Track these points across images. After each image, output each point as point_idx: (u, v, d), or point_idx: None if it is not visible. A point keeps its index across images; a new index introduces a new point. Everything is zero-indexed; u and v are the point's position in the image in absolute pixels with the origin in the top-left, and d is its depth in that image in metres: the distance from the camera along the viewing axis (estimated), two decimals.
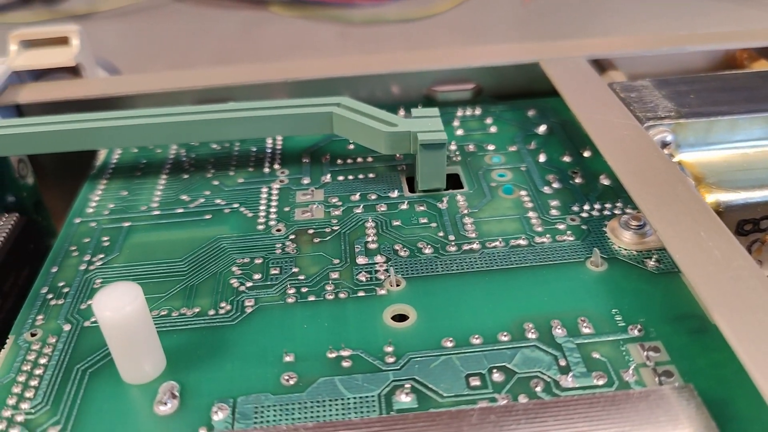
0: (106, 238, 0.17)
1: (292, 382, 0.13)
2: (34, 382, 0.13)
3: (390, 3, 0.56)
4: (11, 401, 0.13)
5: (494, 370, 0.13)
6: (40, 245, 0.22)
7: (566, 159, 0.20)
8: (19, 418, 0.13)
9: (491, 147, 0.20)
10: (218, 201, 0.18)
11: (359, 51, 0.47)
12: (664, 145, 0.18)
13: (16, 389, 0.13)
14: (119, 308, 0.12)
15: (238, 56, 0.48)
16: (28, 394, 0.13)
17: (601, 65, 0.22)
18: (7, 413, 0.13)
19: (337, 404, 0.13)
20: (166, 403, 0.13)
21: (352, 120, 0.18)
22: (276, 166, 0.20)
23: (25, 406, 0.13)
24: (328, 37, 0.50)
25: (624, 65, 0.22)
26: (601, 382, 0.13)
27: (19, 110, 0.22)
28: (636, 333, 0.14)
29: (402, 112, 0.22)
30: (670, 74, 0.22)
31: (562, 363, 0.13)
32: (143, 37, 0.54)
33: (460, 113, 0.22)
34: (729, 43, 0.22)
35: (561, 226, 0.17)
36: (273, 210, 0.18)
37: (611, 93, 0.20)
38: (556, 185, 0.18)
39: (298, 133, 0.20)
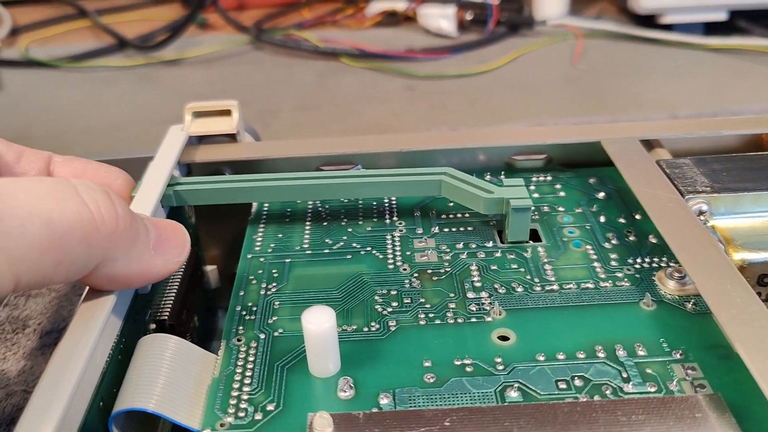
0: (274, 271, 0.23)
1: (432, 380, 0.19)
2: (248, 374, 0.19)
3: (448, 57, 0.62)
4: (236, 385, 0.19)
5: (575, 378, 0.19)
6: (200, 271, 0.28)
7: (621, 220, 0.25)
8: (245, 397, 0.19)
9: (561, 208, 0.26)
10: (354, 244, 0.24)
11: (424, 103, 0.53)
12: (701, 213, 0.24)
13: (237, 377, 0.19)
14: (320, 323, 0.18)
15: (317, 102, 0.54)
16: (247, 381, 0.19)
17: (649, 143, 0.27)
18: (235, 393, 0.19)
19: (465, 396, 0.18)
20: (345, 391, 0.18)
21: (457, 187, 0.24)
22: (394, 218, 0.26)
23: (246, 389, 0.19)
24: (394, 88, 0.56)
25: (668, 144, 0.27)
26: (652, 389, 0.18)
27: (189, 167, 0.28)
28: (678, 356, 0.19)
29: (488, 176, 0.28)
30: (707, 152, 0.27)
31: (624, 375, 0.19)
32: (228, 82, 0.61)
33: (534, 179, 0.27)
34: (756, 128, 0.27)
35: (619, 274, 0.22)
36: (398, 253, 0.24)
37: (658, 169, 0.25)
38: (614, 241, 0.24)
39: (412, 195, 0.25)
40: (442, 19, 0.64)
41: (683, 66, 0.57)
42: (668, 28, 0.61)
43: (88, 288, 0.19)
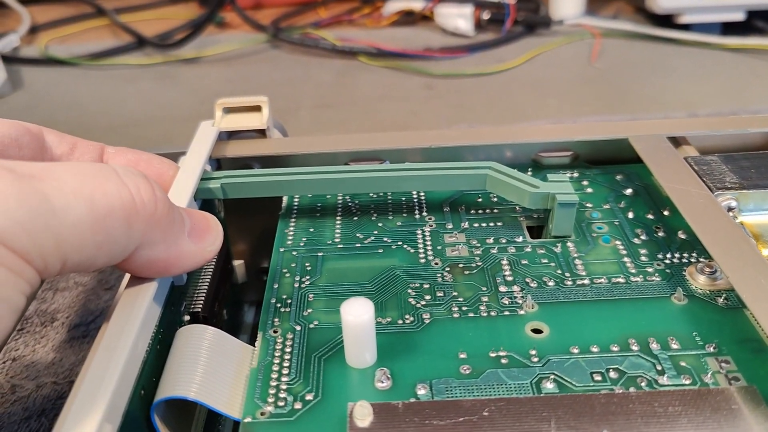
0: (307, 264, 0.23)
1: (468, 372, 0.19)
2: (286, 364, 0.20)
3: (465, 56, 0.62)
4: (274, 375, 0.19)
5: (610, 370, 0.19)
6: (229, 265, 0.28)
7: (650, 216, 0.25)
8: (284, 387, 0.19)
9: (589, 204, 0.26)
10: (385, 239, 0.25)
11: (443, 102, 0.53)
12: (730, 209, 0.24)
13: (275, 368, 0.19)
14: (359, 315, 0.18)
15: (336, 101, 0.55)
16: (285, 371, 0.19)
17: (676, 141, 0.28)
18: (274, 383, 0.19)
19: (502, 387, 0.18)
20: (383, 382, 0.19)
21: (503, 181, 0.24)
22: (424, 213, 0.26)
23: (284, 379, 0.19)
24: (413, 86, 0.57)
25: (695, 141, 0.28)
26: (687, 382, 0.18)
27: (218, 162, 0.28)
28: (711, 350, 0.19)
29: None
30: (733, 149, 0.28)
31: (659, 368, 0.19)
32: (246, 80, 0.61)
33: (568, 175, 0.28)
34: None
35: (650, 269, 0.22)
36: (429, 247, 0.24)
37: (687, 166, 0.25)
38: (643, 237, 0.24)
39: (456, 188, 0.26)
40: (460, 19, 0.65)
41: (701, 66, 0.57)
42: (686, 28, 0.61)
43: (129, 277, 0.19)
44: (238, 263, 0.30)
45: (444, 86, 0.57)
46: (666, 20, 0.62)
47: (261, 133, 0.28)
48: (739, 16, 0.60)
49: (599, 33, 0.63)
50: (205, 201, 0.25)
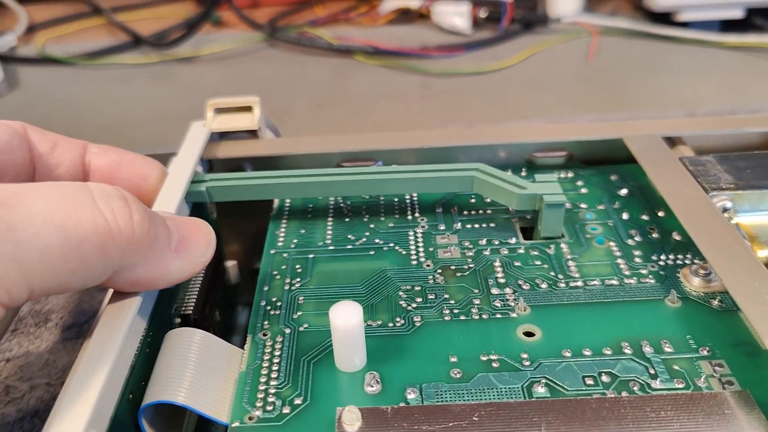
0: (298, 266, 0.23)
1: (459, 376, 0.19)
2: (275, 368, 0.19)
3: (462, 54, 0.62)
4: (263, 379, 0.19)
5: (602, 374, 0.19)
6: (222, 266, 0.28)
7: (644, 217, 0.25)
8: (272, 391, 0.19)
9: (583, 205, 0.26)
10: (377, 240, 0.24)
11: (439, 100, 0.53)
12: (725, 210, 0.24)
13: (264, 371, 0.19)
14: (348, 318, 0.18)
15: (331, 100, 0.54)
16: (274, 375, 0.19)
17: (671, 141, 0.27)
18: (263, 387, 0.19)
19: (493, 392, 0.18)
20: (372, 386, 0.18)
21: (490, 182, 0.24)
22: (416, 215, 0.26)
23: (273, 383, 0.19)
24: (409, 85, 0.56)
25: (690, 142, 0.27)
26: (680, 386, 0.18)
27: (210, 162, 0.28)
28: (705, 353, 0.19)
29: (509, 172, 0.28)
30: (729, 149, 0.27)
31: (652, 371, 0.19)
32: (242, 79, 0.61)
33: (556, 176, 0.27)
34: None
35: (644, 271, 0.22)
36: (421, 249, 0.24)
37: (682, 166, 0.25)
38: (638, 238, 0.24)
39: (443, 191, 0.25)
40: (456, 17, 0.64)
41: (699, 64, 0.57)
42: (684, 25, 0.60)
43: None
44: (231, 264, 0.30)
45: (440, 85, 0.56)
46: (664, 18, 0.62)
47: (252, 133, 0.28)
48: (738, 14, 0.59)
49: (597, 31, 0.63)
50: (196, 203, 0.25)
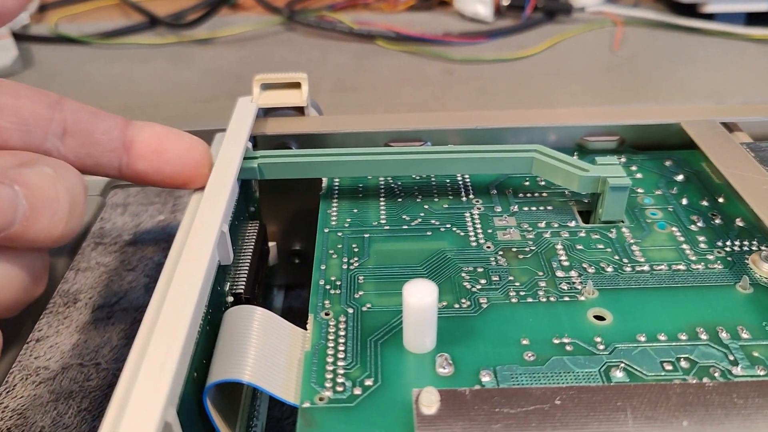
0: (354, 245, 0.23)
1: (532, 359, 0.18)
2: (341, 348, 0.19)
3: (485, 42, 0.61)
4: (330, 359, 0.18)
5: (681, 360, 0.18)
6: (266, 246, 0.27)
7: (704, 203, 0.24)
8: (341, 371, 0.18)
9: (640, 190, 0.25)
10: (433, 221, 0.24)
11: (464, 87, 0.53)
12: None
13: (330, 351, 0.19)
14: (422, 297, 0.17)
15: (355, 84, 0.54)
16: (341, 356, 0.18)
17: (728, 127, 0.27)
18: (330, 368, 0.18)
19: (569, 375, 0.18)
20: (444, 368, 0.18)
21: (550, 164, 0.23)
22: (470, 196, 0.25)
23: (341, 363, 0.18)
24: (433, 71, 0.56)
25: (746, 128, 0.27)
26: (762, 373, 0.18)
27: (255, 139, 0.27)
28: None
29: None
30: None
31: (731, 358, 0.18)
32: (262, 62, 0.60)
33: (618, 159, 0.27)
34: None
35: (710, 257, 0.22)
36: (479, 231, 0.23)
37: (745, 151, 0.24)
38: (700, 224, 0.23)
39: (500, 172, 0.25)
40: (479, 4, 0.63)
41: (725, 56, 0.56)
42: (709, 17, 0.60)
43: (181, 257, 0.19)
44: (271, 245, 0.29)
45: (464, 72, 0.56)
46: (689, 9, 0.61)
47: (299, 110, 0.27)
48: (764, 6, 0.59)
49: (621, 21, 0.62)
50: (244, 181, 0.25)
